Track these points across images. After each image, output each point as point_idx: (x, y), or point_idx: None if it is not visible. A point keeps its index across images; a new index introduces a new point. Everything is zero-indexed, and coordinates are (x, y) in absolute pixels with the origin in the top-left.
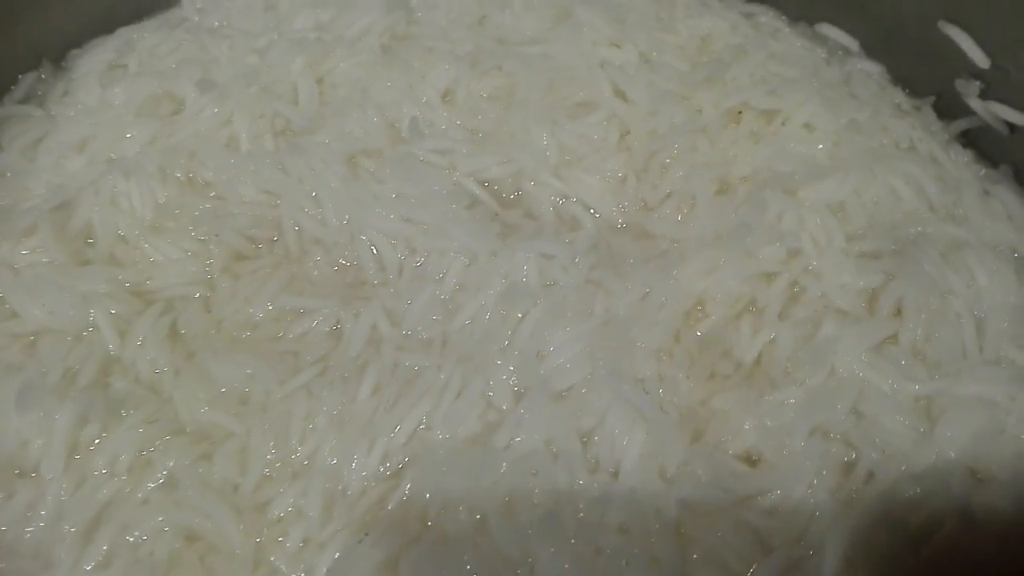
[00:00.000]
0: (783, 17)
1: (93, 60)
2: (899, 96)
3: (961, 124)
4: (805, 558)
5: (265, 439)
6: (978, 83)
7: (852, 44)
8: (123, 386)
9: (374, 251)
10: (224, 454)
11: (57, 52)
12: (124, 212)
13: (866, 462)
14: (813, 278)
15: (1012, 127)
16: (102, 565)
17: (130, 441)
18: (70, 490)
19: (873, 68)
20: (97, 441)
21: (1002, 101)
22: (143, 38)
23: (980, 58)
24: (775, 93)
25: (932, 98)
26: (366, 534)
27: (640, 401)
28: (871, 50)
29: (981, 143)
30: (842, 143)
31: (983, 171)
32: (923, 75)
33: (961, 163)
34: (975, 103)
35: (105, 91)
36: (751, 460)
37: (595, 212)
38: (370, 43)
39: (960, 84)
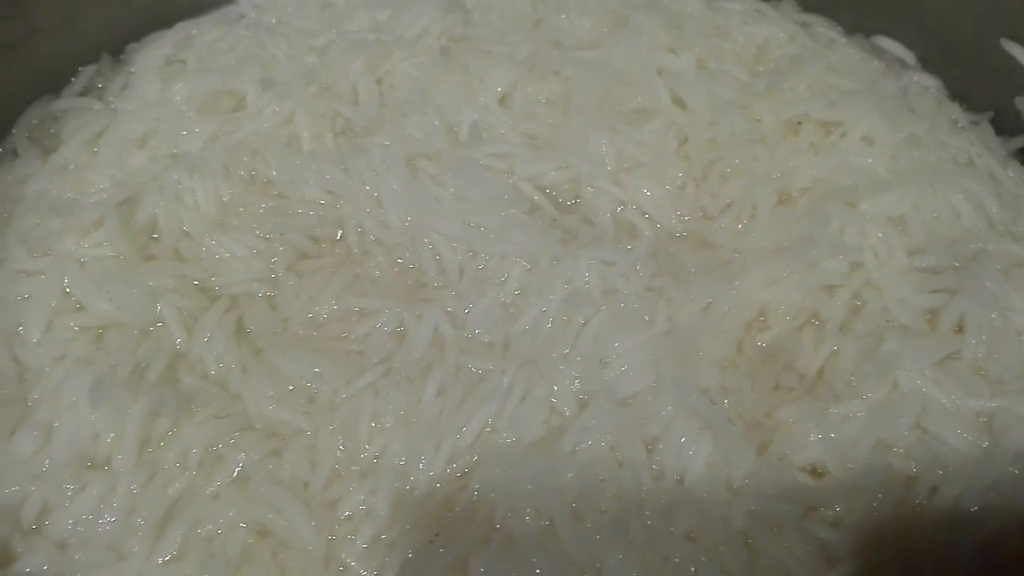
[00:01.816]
0: (838, 28)
1: (152, 54)
2: (956, 111)
3: (1020, 141)
4: (870, 570)
5: (334, 437)
6: None
7: (909, 57)
8: (192, 381)
9: (435, 254)
10: (294, 451)
11: (116, 45)
12: (189, 208)
13: (930, 477)
14: (874, 292)
15: None
16: (176, 559)
17: (201, 436)
18: (142, 483)
19: (930, 82)
20: (171, 433)
21: None
22: (201, 34)
23: None
24: (835, 105)
25: (990, 114)
26: (436, 534)
27: (707, 411)
28: (928, 64)
29: None
30: (901, 157)
31: None
32: (981, 91)
33: (1020, 180)
34: None
35: (166, 86)
36: (816, 472)
37: (654, 220)
38: (428, 44)
39: (1020, 101)
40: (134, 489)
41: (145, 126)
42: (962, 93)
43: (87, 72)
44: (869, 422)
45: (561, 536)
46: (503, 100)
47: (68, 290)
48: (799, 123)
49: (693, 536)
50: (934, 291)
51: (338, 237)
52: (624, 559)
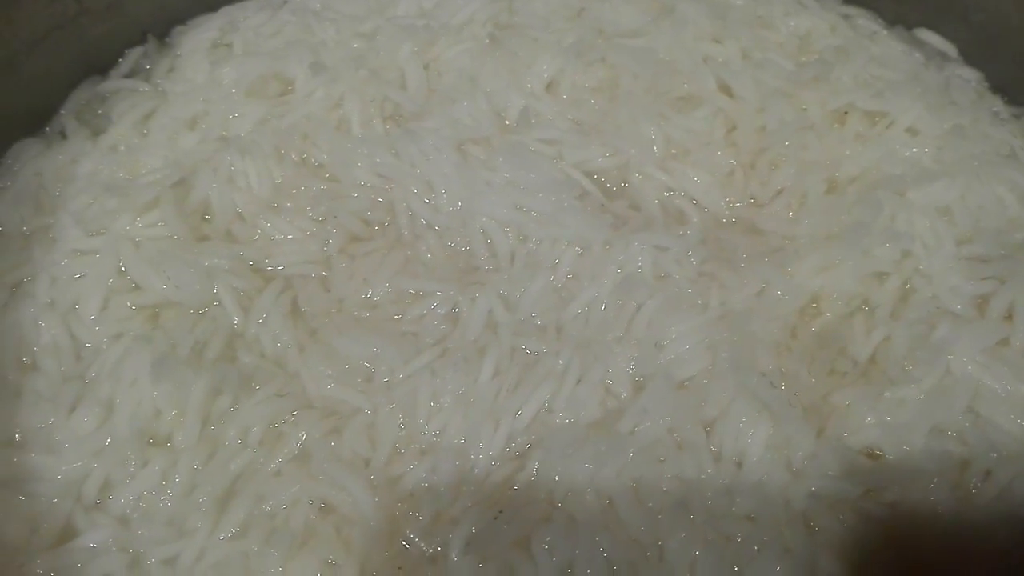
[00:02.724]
0: (880, 20)
1: (198, 37)
2: (997, 104)
3: None
4: (926, 552)
5: (393, 416)
6: None
7: (950, 50)
8: (250, 360)
9: (487, 238)
10: (353, 429)
11: (162, 28)
12: (241, 190)
13: (983, 461)
14: (924, 280)
15: None
16: (239, 535)
17: (261, 414)
18: (203, 460)
19: (971, 75)
20: (231, 411)
21: None
22: (246, 18)
23: None
24: (880, 96)
25: None
26: (500, 511)
27: (766, 394)
28: (969, 57)
29: None
30: (946, 148)
31: None
32: (1022, 84)
33: None
34: None
35: (214, 69)
36: (872, 455)
37: (702, 206)
38: (475, 31)
39: None
40: (196, 465)
41: (194, 108)
42: (1003, 86)
43: (134, 54)
44: (923, 406)
45: (622, 516)
46: (550, 86)
47: (123, 269)
48: (845, 113)
49: (754, 516)
50: (983, 279)
51: (389, 221)
52: (686, 538)
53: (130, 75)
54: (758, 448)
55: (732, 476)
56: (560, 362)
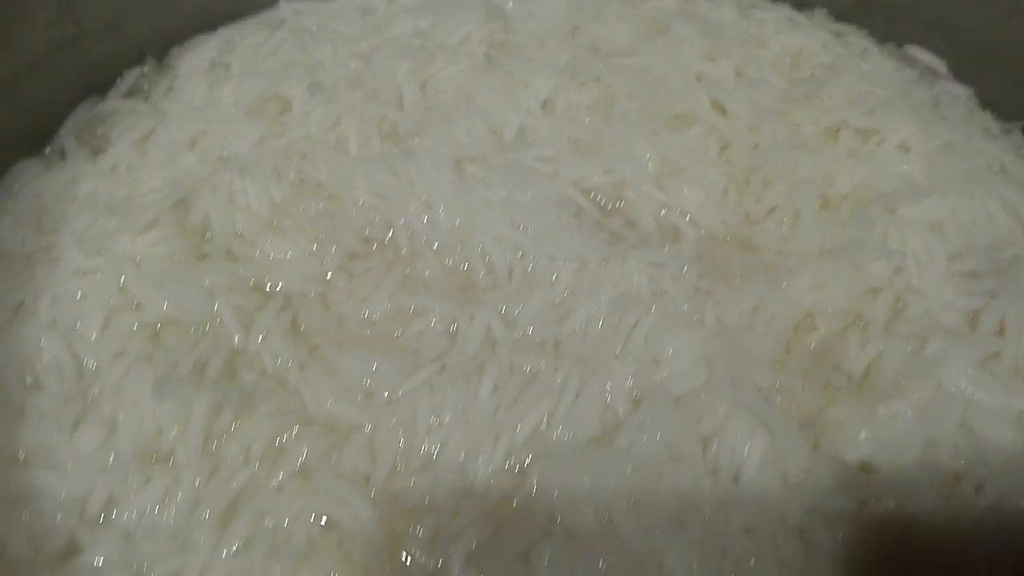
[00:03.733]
0: (870, 37)
1: (196, 58)
2: (987, 120)
3: None
4: (921, 566)
5: (393, 432)
6: None
7: (940, 66)
8: (251, 378)
9: (485, 255)
10: (353, 446)
11: (160, 48)
12: (241, 209)
13: (976, 474)
14: (916, 295)
15: None
16: (242, 550)
17: (263, 430)
18: (205, 477)
19: (961, 91)
20: (233, 428)
21: None
22: (244, 38)
23: None
24: (872, 113)
25: (1022, 122)
26: (498, 528)
27: (761, 409)
28: (959, 73)
29: None
30: (937, 164)
31: None
32: (1012, 99)
33: None
34: None
35: (212, 89)
36: (867, 469)
37: (697, 223)
38: (471, 50)
39: None
40: (198, 482)
41: (193, 128)
42: (993, 102)
43: (132, 75)
44: (916, 421)
45: (621, 530)
46: (545, 105)
47: (124, 288)
48: (838, 130)
49: (750, 530)
50: (975, 294)
51: (388, 238)
52: (684, 552)
53: (129, 95)
54: (754, 462)
55: (729, 490)
56: (559, 378)
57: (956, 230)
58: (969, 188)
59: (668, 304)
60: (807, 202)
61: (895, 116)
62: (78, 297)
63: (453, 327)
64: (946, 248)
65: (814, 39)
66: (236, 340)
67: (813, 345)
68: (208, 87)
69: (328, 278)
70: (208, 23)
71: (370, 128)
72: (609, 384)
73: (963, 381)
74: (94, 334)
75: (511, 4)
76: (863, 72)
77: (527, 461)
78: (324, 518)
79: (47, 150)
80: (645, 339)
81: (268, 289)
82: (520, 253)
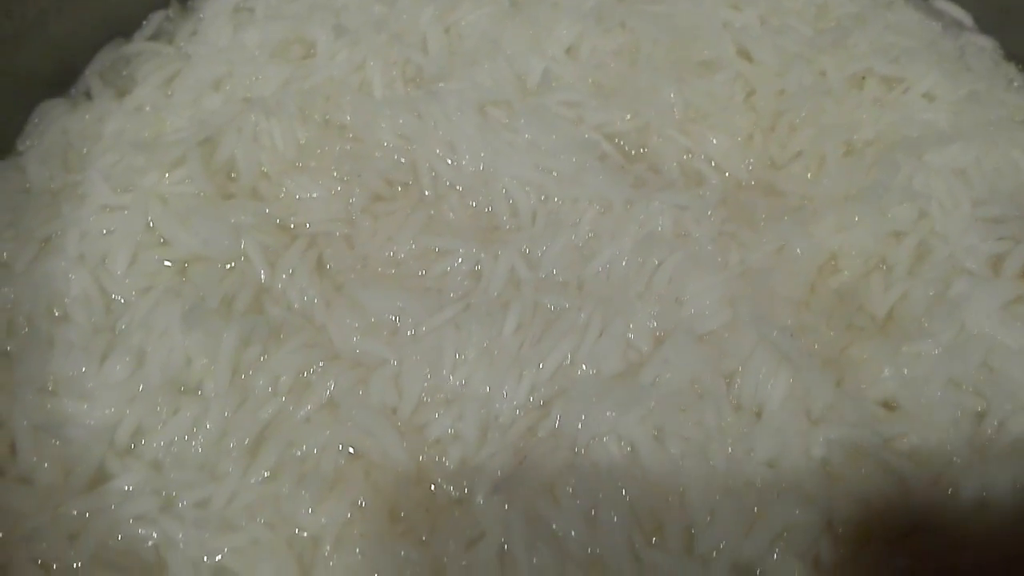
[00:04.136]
0: None
1: (220, 2)
2: (1011, 71)
3: None
4: (942, 497)
5: (419, 367)
6: None
7: (965, 19)
8: (278, 313)
9: (509, 197)
10: (380, 379)
11: None
12: (267, 150)
13: (997, 412)
14: (940, 239)
15: None
16: (270, 478)
17: (291, 363)
18: (233, 407)
19: (986, 43)
20: (261, 360)
21: None
22: None
23: None
24: (897, 61)
25: None
26: (524, 457)
27: (786, 345)
28: (983, 25)
29: None
30: (962, 113)
31: None
32: None
33: None
34: None
35: (237, 32)
36: (890, 406)
37: (721, 168)
38: None
39: None
40: (227, 413)
41: (219, 70)
42: (1017, 54)
43: (156, 17)
44: (940, 361)
45: (644, 462)
46: (570, 51)
47: (152, 224)
48: (863, 78)
49: (774, 463)
50: (998, 239)
51: (412, 180)
52: (706, 485)
53: (153, 38)
54: (778, 398)
55: (752, 424)
56: (582, 317)
57: (980, 177)
58: (994, 136)
59: (692, 246)
60: (832, 147)
61: (920, 65)
62: (105, 233)
63: (477, 267)
64: (970, 194)
65: None
66: (263, 277)
67: (837, 286)
68: (233, 30)
69: (353, 218)
70: None
71: (394, 71)
72: (632, 323)
73: (986, 323)
74: (121, 269)
75: None
76: (889, 22)
77: (551, 396)
78: (351, 448)
79: (72, 91)
80: (669, 280)
81: (293, 228)
82: (544, 195)
